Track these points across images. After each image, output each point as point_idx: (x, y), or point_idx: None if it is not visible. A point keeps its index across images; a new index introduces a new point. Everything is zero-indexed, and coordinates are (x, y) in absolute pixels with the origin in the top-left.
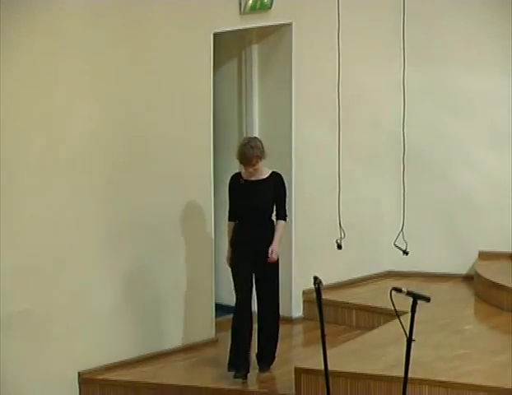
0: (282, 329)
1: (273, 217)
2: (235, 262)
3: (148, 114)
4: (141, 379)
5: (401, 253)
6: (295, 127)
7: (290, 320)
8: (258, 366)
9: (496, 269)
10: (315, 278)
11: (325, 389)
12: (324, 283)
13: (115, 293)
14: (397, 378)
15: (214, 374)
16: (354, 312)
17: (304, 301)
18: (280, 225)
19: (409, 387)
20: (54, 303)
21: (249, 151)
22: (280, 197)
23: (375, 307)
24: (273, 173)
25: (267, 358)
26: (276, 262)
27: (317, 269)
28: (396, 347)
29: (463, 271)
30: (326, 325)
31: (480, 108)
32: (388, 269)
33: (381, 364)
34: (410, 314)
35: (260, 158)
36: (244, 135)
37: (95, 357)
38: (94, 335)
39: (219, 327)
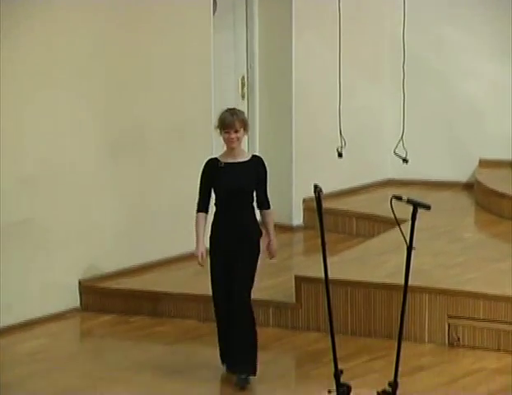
0: (283, 238)
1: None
2: (212, 259)
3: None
4: (141, 288)
5: (401, 161)
6: (296, 39)
7: (290, 228)
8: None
9: (497, 177)
10: (315, 186)
11: (325, 297)
12: (324, 191)
13: (115, 202)
14: (398, 285)
15: None
16: (354, 220)
17: (304, 209)
18: (269, 215)
19: (409, 294)
20: (55, 213)
21: (232, 116)
22: (263, 184)
23: (376, 215)
24: (254, 156)
25: (244, 366)
26: (256, 257)
27: (317, 177)
28: (396, 255)
29: (464, 179)
30: (326, 233)
31: (481, 16)
32: (388, 177)
33: (381, 272)
34: (410, 222)
35: (244, 126)
36: (246, 55)
37: (96, 265)
38: (95, 244)
39: None
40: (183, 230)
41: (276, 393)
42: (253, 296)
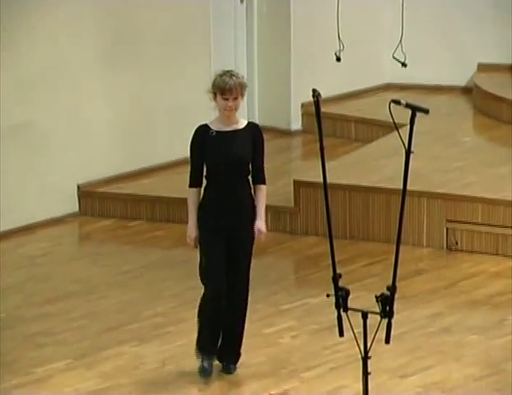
0: (281, 143)
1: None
2: (203, 239)
3: None
4: (140, 192)
5: (400, 65)
6: None
7: (288, 133)
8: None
9: (495, 81)
10: (314, 91)
11: (324, 202)
12: (323, 96)
13: (115, 107)
14: (396, 190)
15: None
16: (353, 124)
17: (302, 114)
18: (263, 193)
19: (408, 199)
20: (54, 116)
21: (232, 80)
22: (259, 155)
23: (374, 119)
24: (250, 123)
25: (231, 356)
26: (252, 242)
27: (316, 82)
28: (394, 159)
29: (462, 83)
30: (325, 138)
31: None
32: (387, 81)
33: (380, 177)
34: (409, 126)
35: (243, 91)
36: None
37: (95, 170)
38: (93, 148)
39: None
40: (181, 135)
41: (275, 297)
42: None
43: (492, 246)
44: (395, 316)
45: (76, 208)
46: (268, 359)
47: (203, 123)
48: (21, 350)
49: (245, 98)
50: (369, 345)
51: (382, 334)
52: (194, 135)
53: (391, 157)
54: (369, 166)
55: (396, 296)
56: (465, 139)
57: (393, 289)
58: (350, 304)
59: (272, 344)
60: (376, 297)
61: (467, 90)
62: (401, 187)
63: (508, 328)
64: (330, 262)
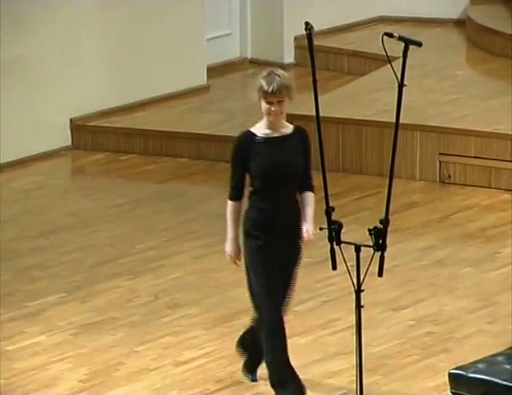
0: None
1: None
2: (254, 259)
3: None
4: (132, 126)
5: None
6: None
7: (281, 66)
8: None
9: (488, 13)
10: (306, 24)
11: (317, 135)
12: (316, 29)
13: (107, 40)
14: (389, 123)
15: (206, 120)
16: (346, 58)
17: (295, 47)
18: (312, 199)
19: (401, 132)
20: (48, 51)
21: (277, 81)
22: (307, 162)
23: (367, 52)
24: (298, 127)
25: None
26: (300, 256)
27: (308, 15)
28: (387, 93)
29: (455, 15)
30: (317, 71)
31: None
32: (380, 14)
33: (373, 110)
34: (401, 59)
35: (289, 93)
36: None
37: (88, 104)
38: (86, 82)
39: (211, 73)
40: (174, 69)
41: None
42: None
43: (485, 179)
44: (388, 249)
45: (69, 142)
46: None
47: (247, 129)
48: (15, 283)
49: (237, 31)
50: (362, 278)
51: (375, 267)
52: (237, 143)
53: (384, 90)
54: (362, 99)
55: (389, 229)
56: (458, 72)
57: (385, 222)
58: (343, 237)
59: None
60: (369, 230)
61: (460, 23)
62: (394, 120)
63: (500, 261)
64: (323, 195)
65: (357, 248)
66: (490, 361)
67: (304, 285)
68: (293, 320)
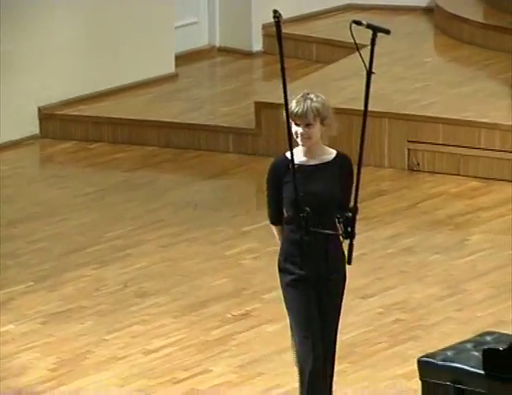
0: (242, 64)
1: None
2: (291, 295)
3: None
4: (100, 114)
5: None
6: None
7: (250, 54)
8: None
9: (456, 1)
10: (275, 11)
11: (285, 124)
12: (284, 17)
13: (75, 28)
14: (357, 111)
15: (174, 109)
16: (314, 45)
17: (263, 35)
18: None
19: (369, 120)
20: (14, 38)
21: (306, 102)
22: (346, 191)
23: (335, 40)
24: (339, 154)
25: None
26: (343, 290)
27: (276, 2)
28: (356, 80)
29: (423, 3)
30: (286, 59)
31: None
32: (348, 2)
33: (341, 98)
34: (370, 47)
35: (321, 116)
36: None
37: (56, 92)
38: (54, 71)
39: (179, 61)
40: (142, 57)
41: (237, 219)
42: (212, 123)
43: (453, 166)
44: (357, 237)
45: (37, 131)
46: (230, 280)
47: (283, 153)
48: None
49: (206, 19)
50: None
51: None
52: (270, 168)
53: (352, 78)
54: (330, 87)
55: (357, 217)
56: (426, 59)
57: (354, 210)
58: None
59: (234, 265)
60: (338, 218)
61: (429, 11)
62: (362, 108)
63: (469, 248)
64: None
65: (327, 236)
66: (458, 348)
67: (273, 273)
68: (262, 308)
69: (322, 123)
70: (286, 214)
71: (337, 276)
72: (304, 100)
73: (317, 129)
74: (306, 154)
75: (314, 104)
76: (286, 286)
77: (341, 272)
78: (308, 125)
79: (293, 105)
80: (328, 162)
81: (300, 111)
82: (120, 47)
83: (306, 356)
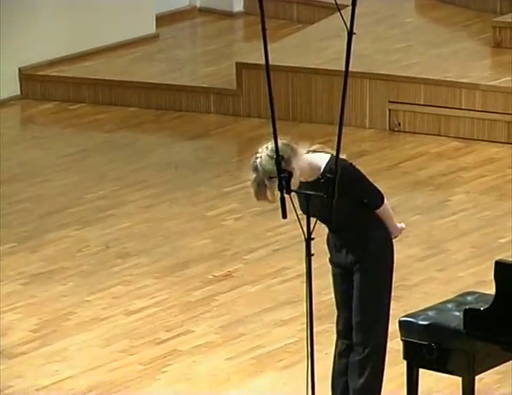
0: (223, 24)
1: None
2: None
3: None
4: (81, 75)
5: None
6: None
7: (230, 15)
8: None
9: None
10: None
11: (266, 84)
12: None
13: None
14: (338, 71)
15: (155, 69)
16: (295, 6)
17: None
18: (384, 213)
19: (350, 80)
20: None
21: (256, 186)
22: (354, 191)
23: (316, 1)
24: (327, 165)
25: None
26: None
27: None
28: (337, 41)
29: None
30: (267, 20)
31: None
32: None
33: (322, 59)
34: (351, 7)
35: (289, 165)
36: None
37: (36, 53)
38: (34, 31)
39: (160, 21)
40: (123, 17)
41: (218, 180)
42: (193, 84)
43: (434, 127)
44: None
45: (18, 91)
46: (212, 241)
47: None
48: None
49: None
50: (312, 226)
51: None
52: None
53: (333, 39)
54: (311, 48)
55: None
56: (407, 20)
57: (336, 170)
58: (293, 185)
59: (216, 226)
60: (319, 178)
61: None
62: (343, 68)
63: (450, 209)
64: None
65: (307, 197)
66: (439, 308)
67: (254, 233)
68: (243, 269)
69: (291, 168)
70: None
71: (363, 265)
72: (254, 183)
73: (274, 194)
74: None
75: (262, 187)
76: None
77: (366, 260)
78: (270, 196)
79: (254, 191)
80: (314, 181)
81: (256, 193)
82: (101, 8)
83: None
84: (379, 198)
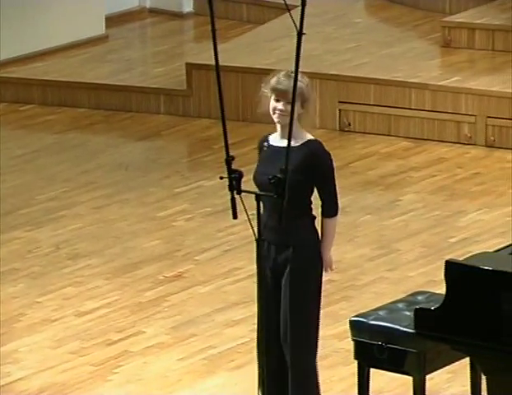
0: (173, 25)
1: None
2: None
3: None
4: (31, 76)
5: None
6: None
7: (180, 15)
8: None
9: None
10: None
11: (216, 84)
12: None
13: None
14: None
15: (105, 70)
16: (245, 6)
17: None
18: (328, 227)
19: None
20: None
21: (287, 79)
22: (322, 182)
23: (266, 1)
24: (309, 142)
25: None
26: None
27: None
28: (287, 41)
29: None
30: (217, 20)
31: None
32: None
33: (272, 59)
34: (300, 7)
35: (303, 98)
36: None
37: None
38: None
39: (110, 22)
40: (73, 18)
41: (169, 180)
42: (143, 84)
43: (384, 127)
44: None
45: None
46: (163, 242)
47: (268, 132)
48: None
49: None
50: (262, 226)
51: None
52: (258, 145)
53: (283, 39)
54: (261, 48)
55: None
56: (357, 20)
57: (286, 171)
58: (243, 186)
59: (166, 227)
60: (269, 179)
61: None
62: (293, 68)
63: (400, 208)
64: (223, 144)
65: (257, 197)
66: (390, 308)
67: (205, 234)
68: (194, 269)
69: (302, 105)
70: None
71: (293, 270)
72: (289, 78)
73: (297, 109)
74: (281, 134)
75: (298, 84)
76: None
77: (297, 265)
78: (288, 103)
79: (275, 80)
80: (295, 146)
81: (283, 87)
82: (50, 9)
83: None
84: (336, 207)
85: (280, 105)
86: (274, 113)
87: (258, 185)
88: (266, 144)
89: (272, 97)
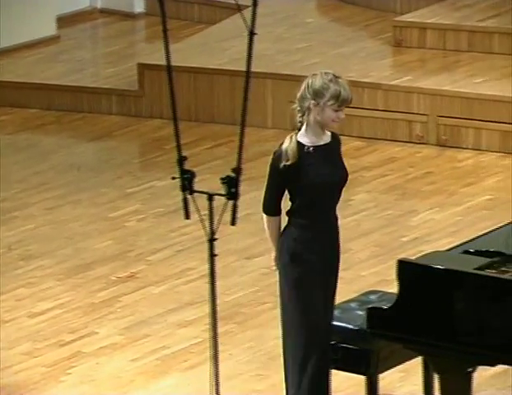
0: (125, 25)
1: None
2: (304, 288)
3: None
4: None
5: None
6: None
7: (132, 16)
8: None
9: None
10: None
11: (168, 84)
12: None
13: None
14: (240, 71)
15: (57, 71)
16: (196, 6)
17: None
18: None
19: (252, 81)
20: None
21: (348, 86)
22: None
23: (217, 1)
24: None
25: None
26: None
27: None
28: (239, 41)
29: None
30: (168, 20)
31: None
32: None
33: (224, 59)
34: (252, 8)
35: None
36: None
37: None
38: None
39: (61, 23)
40: (24, 19)
41: (121, 181)
42: (95, 85)
43: (337, 126)
44: (242, 198)
45: None
46: (115, 242)
47: (289, 137)
48: None
49: None
50: (215, 227)
51: (228, 216)
52: (278, 155)
53: (235, 39)
54: (213, 48)
55: (242, 178)
56: (309, 20)
57: (238, 171)
58: (195, 186)
59: (119, 227)
60: (222, 179)
61: None
62: (245, 69)
63: (352, 208)
64: (175, 144)
65: (210, 197)
66: (343, 308)
67: (158, 234)
68: (147, 269)
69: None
70: (298, 201)
71: (337, 267)
72: (343, 84)
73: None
74: (315, 135)
75: (347, 93)
76: (309, 280)
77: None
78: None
79: (341, 90)
80: (329, 143)
81: (347, 96)
82: (1, 9)
83: (315, 358)
84: (263, 205)
85: (342, 114)
86: (333, 121)
87: (321, 186)
88: (307, 147)
89: (334, 106)
